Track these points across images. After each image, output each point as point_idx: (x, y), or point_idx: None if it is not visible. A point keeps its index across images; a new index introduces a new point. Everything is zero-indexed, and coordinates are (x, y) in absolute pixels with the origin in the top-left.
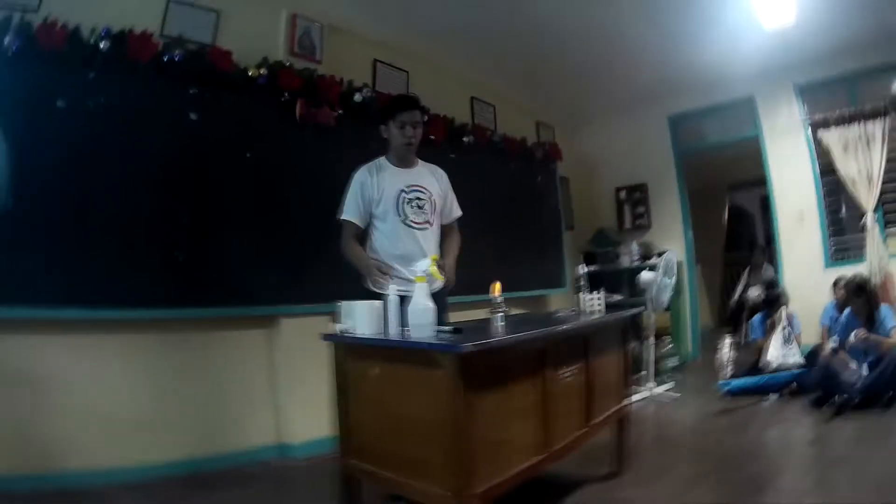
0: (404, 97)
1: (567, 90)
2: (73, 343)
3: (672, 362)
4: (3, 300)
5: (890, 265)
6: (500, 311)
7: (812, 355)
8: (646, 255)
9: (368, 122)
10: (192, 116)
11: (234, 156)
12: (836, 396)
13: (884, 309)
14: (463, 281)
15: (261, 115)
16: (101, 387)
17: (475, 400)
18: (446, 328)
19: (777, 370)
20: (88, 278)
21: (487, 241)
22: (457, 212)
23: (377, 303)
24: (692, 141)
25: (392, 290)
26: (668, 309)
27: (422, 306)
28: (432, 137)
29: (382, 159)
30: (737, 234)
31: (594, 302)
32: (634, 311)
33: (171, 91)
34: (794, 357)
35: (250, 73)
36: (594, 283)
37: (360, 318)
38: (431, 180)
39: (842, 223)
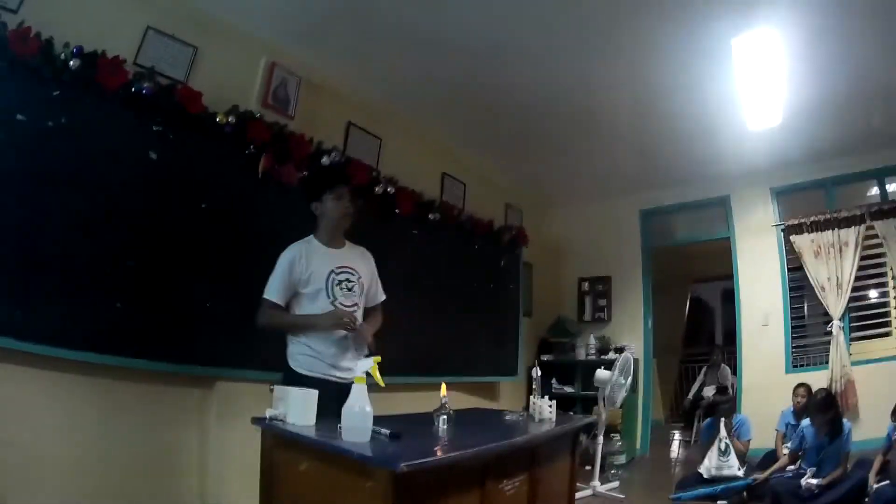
0: (336, 172)
1: (541, 173)
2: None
3: (619, 459)
4: None
5: (852, 374)
6: (443, 413)
7: (766, 460)
8: (602, 350)
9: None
10: (152, 155)
11: (189, 203)
12: None
13: (846, 424)
14: (414, 360)
15: (223, 164)
16: (21, 424)
17: None
18: (383, 432)
19: (713, 479)
20: (14, 306)
21: (443, 321)
22: (381, 296)
23: (312, 392)
24: (662, 236)
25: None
26: (619, 407)
27: (359, 408)
28: (397, 211)
29: (311, 238)
30: (696, 327)
31: (545, 409)
32: (587, 419)
33: (135, 124)
34: (731, 469)
35: (218, 120)
36: (547, 373)
37: (292, 406)
38: (360, 262)
39: (806, 328)
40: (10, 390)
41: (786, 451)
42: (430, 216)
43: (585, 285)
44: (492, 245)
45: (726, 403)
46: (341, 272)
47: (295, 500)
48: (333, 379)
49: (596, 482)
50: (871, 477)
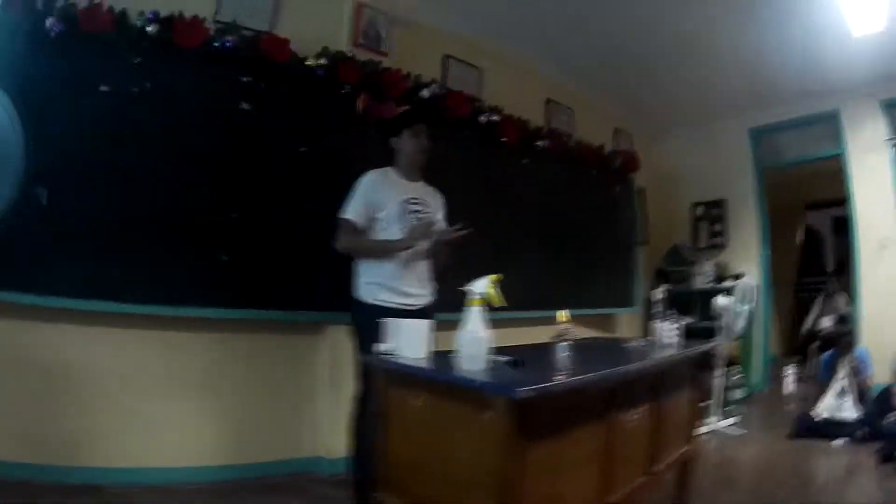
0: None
1: (648, 97)
2: (107, 337)
3: (739, 394)
4: (34, 289)
5: None
6: (565, 340)
7: (882, 397)
8: (720, 277)
9: (436, 119)
10: (245, 106)
11: (287, 149)
12: None
13: None
14: (528, 295)
15: (319, 108)
16: (133, 383)
17: (528, 448)
18: (503, 359)
19: (827, 421)
20: (123, 272)
21: (557, 253)
22: None
23: (426, 323)
24: (773, 156)
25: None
26: (739, 336)
27: (475, 335)
28: (504, 140)
29: (389, 169)
30: (808, 256)
31: (670, 333)
32: (712, 344)
33: (222, 79)
34: (847, 411)
35: (308, 63)
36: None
37: (405, 339)
38: (431, 199)
39: None
40: (119, 353)
41: None
42: (538, 143)
43: (700, 210)
44: (603, 172)
45: (847, 336)
46: (414, 203)
47: (410, 441)
48: (399, 306)
49: (715, 417)
50: None
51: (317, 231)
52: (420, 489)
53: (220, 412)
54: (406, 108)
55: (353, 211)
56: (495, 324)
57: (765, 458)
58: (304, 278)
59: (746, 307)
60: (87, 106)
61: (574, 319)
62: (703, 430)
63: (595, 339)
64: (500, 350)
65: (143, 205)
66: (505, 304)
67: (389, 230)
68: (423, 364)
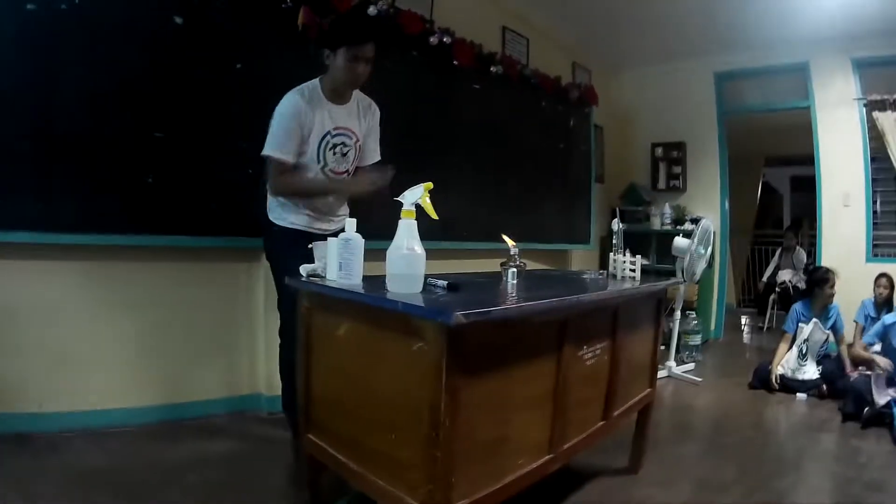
0: (360, 22)
1: (609, 30)
2: (24, 271)
3: (695, 340)
4: None
5: None
6: (513, 266)
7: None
8: (678, 220)
9: (383, 38)
10: (177, 20)
11: (222, 65)
12: (866, 410)
13: None
14: (474, 225)
15: (257, 22)
16: (56, 321)
17: (465, 385)
18: (439, 283)
19: (786, 378)
20: (39, 198)
21: (508, 183)
22: (376, 156)
23: (358, 241)
24: (738, 102)
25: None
26: (696, 282)
27: (407, 250)
28: (456, 63)
29: (316, 86)
30: (765, 211)
31: (628, 266)
32: (673, 281)
33: None
34: (807, 374)
35: None
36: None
37: (332, 259)
38: (361, 121)
39: (889, 215)
40: (39, 288)
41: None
42: (493, 69)
43: (659, 151)
44: (560, 103)
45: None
46: (338, 134)
47: (334, 375)
48: (316, 231)
49: (671, 363)
50: None
51: (250, 152)
52: (343, 430)
53: (151, 349)
54: (349, 15)
55: (284, 145)
56: (437, 254)
57: (724, 407)
58: (237, 202)
59: (705, 251)
60: (14, 25)
61: (527, 254)
62: (660, 375)
63: (547, 269)
64: (437, 276)
65: (63, 124)
66: (437, 219)
67: (304, 167)
68: (343, 285)
